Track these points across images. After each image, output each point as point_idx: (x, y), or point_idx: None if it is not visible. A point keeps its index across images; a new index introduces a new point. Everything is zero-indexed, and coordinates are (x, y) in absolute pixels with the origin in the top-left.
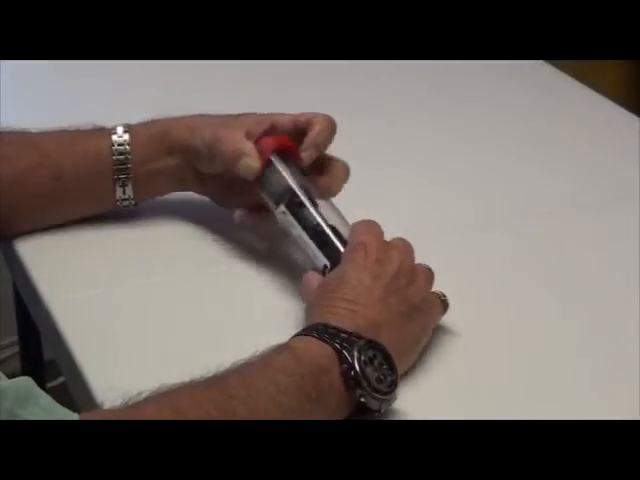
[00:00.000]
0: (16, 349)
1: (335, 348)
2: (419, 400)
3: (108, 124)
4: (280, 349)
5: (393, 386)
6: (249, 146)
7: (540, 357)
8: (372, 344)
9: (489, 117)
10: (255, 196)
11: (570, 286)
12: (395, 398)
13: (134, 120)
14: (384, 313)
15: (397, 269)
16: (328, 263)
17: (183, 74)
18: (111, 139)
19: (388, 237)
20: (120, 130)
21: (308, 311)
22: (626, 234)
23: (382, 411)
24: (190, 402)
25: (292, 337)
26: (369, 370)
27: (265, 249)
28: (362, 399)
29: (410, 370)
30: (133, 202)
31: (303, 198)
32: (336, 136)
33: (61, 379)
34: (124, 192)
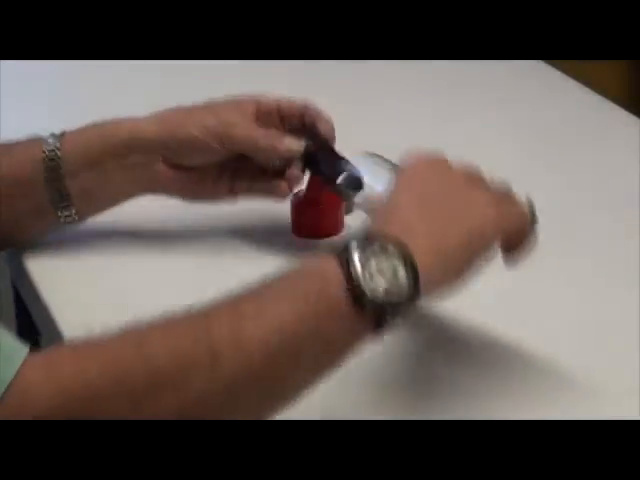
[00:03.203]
0: None
1: (337, 256)
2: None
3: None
4: (285, 270)
5: (409, 285)
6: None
7: (538, 356)
8: (383, 241)
9: (486, 117)
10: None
11: (569, 286)
12: (412, 309)
13: None
14: (422, 216)
15: (449, 179)
16: None
17: (183, 74)
18: (42, 148)
19: None
20: (51, 140)
21: None
22: (625, 235)
23: (397, 318)
24: (158, 328)
25: None
26: (372, 263)
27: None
28: (366, 306)
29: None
30: (73, 213)
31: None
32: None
33: None
34: (61, 201)
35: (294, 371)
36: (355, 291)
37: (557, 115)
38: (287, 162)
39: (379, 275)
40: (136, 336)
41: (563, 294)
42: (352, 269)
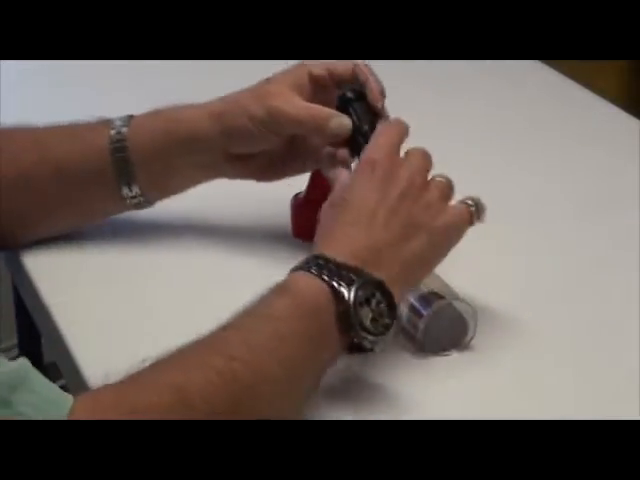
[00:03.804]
0: (16, 352)
1: (332, 287)
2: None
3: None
4: (280, 291)
5: (389, 325)
6: (327, 109)
7: (537, 357)
8: (372, 282)
9: (484, 118)
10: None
11: (570, 288)
12: (389, 339)
13: None
14: (386, 236)
15: (404, 188)
16: None
17: (183, 74)
18: (109, 133)
19: None
20: (119, 124)
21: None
22: (625, 236)
23: (377, 350)
24: (195, 375)
25: (292, 271)
26: (364, 311)
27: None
28: (355, 340)
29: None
30: (143, 200)
31: None
32: None
33: (61, 382)
34: (130, 190)
35: (295, 395)
36: (345, 321)
37: (556, 116)
38: (338, 141)
39: (366, 307)
40: (165, 379)
41: (563, 294)
42: (345, 302)
